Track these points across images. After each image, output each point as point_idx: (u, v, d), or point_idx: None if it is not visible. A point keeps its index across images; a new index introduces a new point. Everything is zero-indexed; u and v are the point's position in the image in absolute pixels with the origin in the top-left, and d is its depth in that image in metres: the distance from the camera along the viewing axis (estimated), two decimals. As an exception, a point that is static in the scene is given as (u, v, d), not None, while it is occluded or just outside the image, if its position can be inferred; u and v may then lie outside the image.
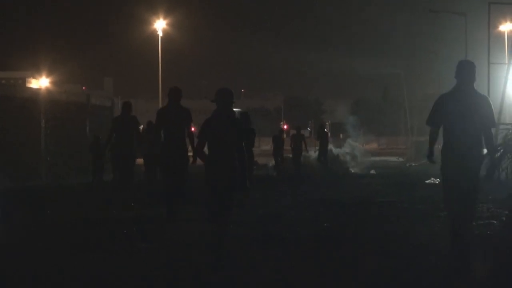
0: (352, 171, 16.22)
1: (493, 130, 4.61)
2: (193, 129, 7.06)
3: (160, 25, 28.81)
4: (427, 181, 11.63)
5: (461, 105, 4.17)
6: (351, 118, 25.18)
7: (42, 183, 10.63)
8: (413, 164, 20.24)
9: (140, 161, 9.57)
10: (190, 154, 6.42)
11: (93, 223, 6.42)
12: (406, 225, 6.19)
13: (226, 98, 4.51)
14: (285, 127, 39.58)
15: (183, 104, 6.66)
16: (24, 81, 42.67)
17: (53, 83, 42.25)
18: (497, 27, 23.90)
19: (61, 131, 11.78)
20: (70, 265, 4.36)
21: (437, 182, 11.06)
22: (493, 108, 4.35)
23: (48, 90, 22.36)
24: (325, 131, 16.29)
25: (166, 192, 6.56)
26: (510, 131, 11.01)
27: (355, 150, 19.14)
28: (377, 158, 24.35)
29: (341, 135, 21.08)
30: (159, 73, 28.45)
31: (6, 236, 5.45)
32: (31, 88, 22.14)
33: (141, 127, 12.57)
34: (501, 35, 23.86)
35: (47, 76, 42.32)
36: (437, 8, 23.63)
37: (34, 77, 44.11)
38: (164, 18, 29.23)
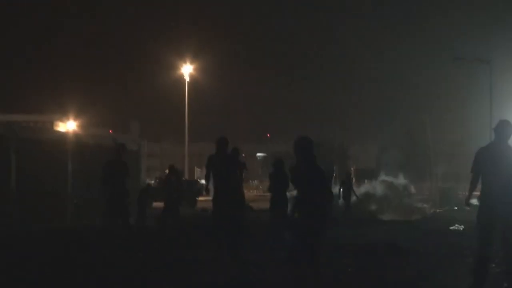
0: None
1: None
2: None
3: (186, 70, 29.54)
4: (451, 228, 11.37)
5: (495, 159, 4.75)
6: (386, 155, 24.38)
7: (68, 225, 10.80)
8: (438, 210, 19.66)
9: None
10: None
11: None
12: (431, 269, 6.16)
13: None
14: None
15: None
16: (51, 124, 43.15)
17: (80, 126, 43.15)
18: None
19: (88, 174, 12.05)
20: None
21: (461, 229, 10.93)
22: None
23: (75, 134, 23.03)
24: (351, 177, 16.02)
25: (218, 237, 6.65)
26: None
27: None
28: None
29: (365, 181, 20.34)
30: (185, 117, 28.92)
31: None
32: (58, 132, 22.89)
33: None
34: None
35: (75, 119, 43.41)
36: (461, 55, 23.76)
37: (61, 120, 44.92)
38: (191, 63, 30.10)
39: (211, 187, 7.05)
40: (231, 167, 6.78)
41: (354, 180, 18.81)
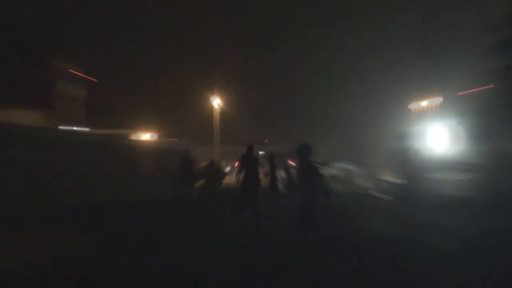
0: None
1: None
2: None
3: (215, 101, 37.90)
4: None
5: None
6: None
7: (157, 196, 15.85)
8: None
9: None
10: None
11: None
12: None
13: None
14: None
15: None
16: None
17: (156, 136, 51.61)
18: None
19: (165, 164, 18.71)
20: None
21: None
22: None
23: (156, 140, 34.42)
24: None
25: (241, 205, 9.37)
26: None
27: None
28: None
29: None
30: (213, 131, 37.02)
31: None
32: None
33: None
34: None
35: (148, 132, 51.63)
36: None
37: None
38: (218, 95, 38.27)
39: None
40: (255, 163, 9.37)
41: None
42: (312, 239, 6.80)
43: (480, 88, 17.95)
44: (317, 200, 6.76)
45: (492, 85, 16.59)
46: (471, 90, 19.94)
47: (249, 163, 9.19)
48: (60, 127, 23.23)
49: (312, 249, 6.77)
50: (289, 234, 7.83)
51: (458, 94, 22.41)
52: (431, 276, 5.62)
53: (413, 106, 31.33)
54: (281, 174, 16.62)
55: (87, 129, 31.35)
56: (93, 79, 39.58)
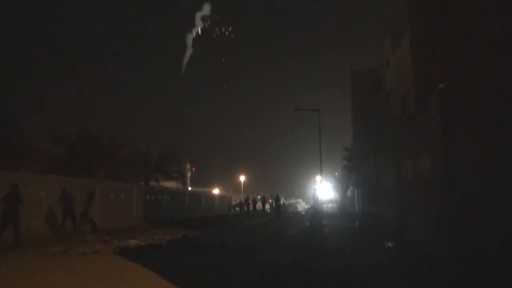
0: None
1: None
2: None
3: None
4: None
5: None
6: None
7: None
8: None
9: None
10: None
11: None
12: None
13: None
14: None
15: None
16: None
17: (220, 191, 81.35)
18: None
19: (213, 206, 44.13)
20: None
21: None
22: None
23: (220, 193, 58.23)
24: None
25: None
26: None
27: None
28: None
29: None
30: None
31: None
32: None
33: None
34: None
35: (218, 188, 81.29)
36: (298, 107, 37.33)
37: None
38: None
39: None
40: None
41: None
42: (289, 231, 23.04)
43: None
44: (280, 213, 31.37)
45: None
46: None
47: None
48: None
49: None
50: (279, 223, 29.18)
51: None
52: (326, 240, 15.21)
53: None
54: (266, 205, 41.48)
55: (190, 188, 58.41)
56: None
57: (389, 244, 11.56)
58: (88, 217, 16.83)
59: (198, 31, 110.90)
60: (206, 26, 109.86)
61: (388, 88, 21.91)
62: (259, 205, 41.50)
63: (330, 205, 43.90)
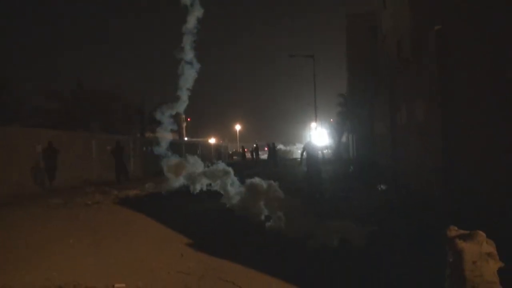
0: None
1: None
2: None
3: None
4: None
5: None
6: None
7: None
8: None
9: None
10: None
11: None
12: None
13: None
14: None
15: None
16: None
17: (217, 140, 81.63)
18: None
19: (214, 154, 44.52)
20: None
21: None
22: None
23: (217, 142, 58.30)
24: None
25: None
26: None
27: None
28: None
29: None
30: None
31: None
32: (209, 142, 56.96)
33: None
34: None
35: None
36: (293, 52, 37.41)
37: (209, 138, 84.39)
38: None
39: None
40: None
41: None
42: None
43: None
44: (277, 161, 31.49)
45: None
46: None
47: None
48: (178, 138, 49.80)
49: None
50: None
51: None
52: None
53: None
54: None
55: (186, 138, 58.83)
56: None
57: (382, 187, 11.82)
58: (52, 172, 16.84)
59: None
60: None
61: (385, 31, 21.43)
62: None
63: (325, 151, 44.28)
